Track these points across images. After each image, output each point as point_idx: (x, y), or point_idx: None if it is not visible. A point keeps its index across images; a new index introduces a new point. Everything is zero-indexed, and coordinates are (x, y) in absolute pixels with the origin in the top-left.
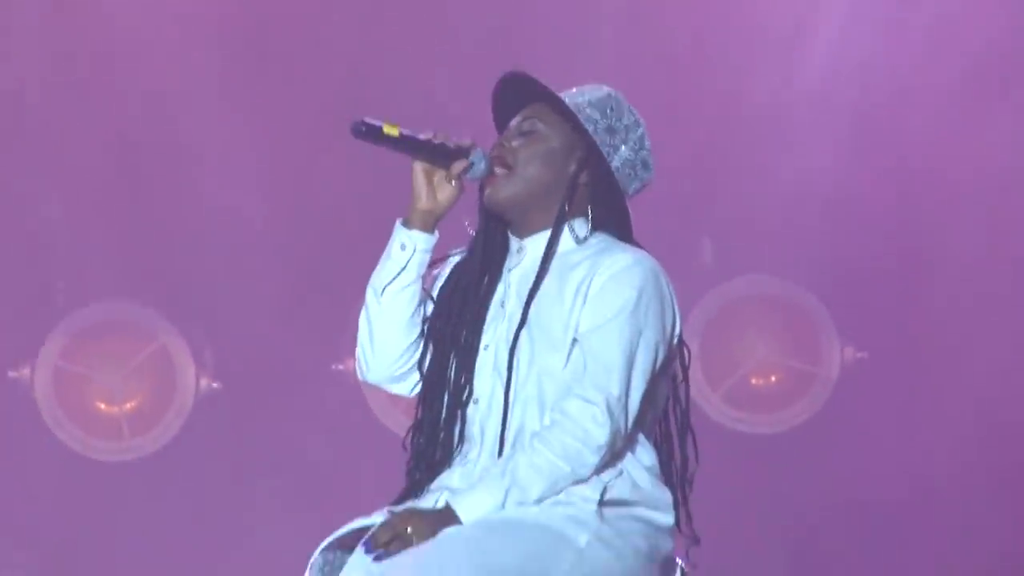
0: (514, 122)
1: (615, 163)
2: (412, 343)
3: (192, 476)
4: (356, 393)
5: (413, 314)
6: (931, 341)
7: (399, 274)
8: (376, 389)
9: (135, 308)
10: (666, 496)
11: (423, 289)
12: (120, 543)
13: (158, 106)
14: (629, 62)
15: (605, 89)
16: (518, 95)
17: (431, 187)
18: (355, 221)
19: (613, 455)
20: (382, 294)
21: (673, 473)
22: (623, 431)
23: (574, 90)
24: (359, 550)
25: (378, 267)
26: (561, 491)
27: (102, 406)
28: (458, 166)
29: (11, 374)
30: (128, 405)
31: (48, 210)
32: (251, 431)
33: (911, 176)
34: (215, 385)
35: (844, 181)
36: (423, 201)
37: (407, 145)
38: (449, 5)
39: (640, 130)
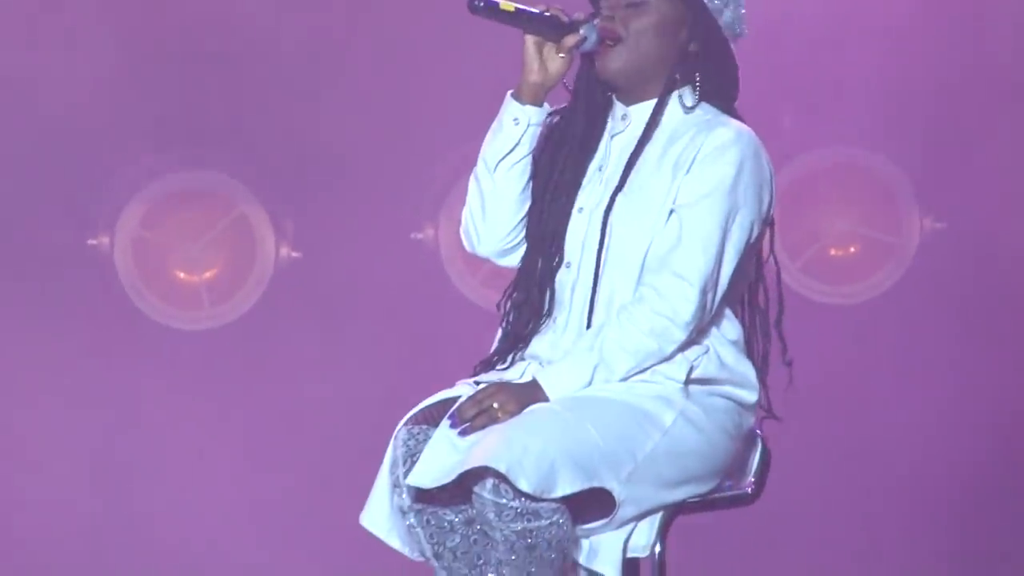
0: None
1: (723, 24)
2: (523, 217)
3: (273, 346)
4: (435, 262)
5: (524, 187)
6: (1004, 211)
7: (513, 149)
8: (473, 261)
9: (215, 176)
10: (751, 372)
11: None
12: (193, 413)
13: None
14: None
15: None
16: None
17: (542, 60)
18: (429, 90)
19: (700, 331)
20: (495, 169)
21: (756, 348)
22: (711, 308)
23: None
24: (444, 423)
25: (488, 139)
26: (648, 369)
27: (181, 275)
28: (570, 39)
29: (90, 242)
30: (208, 274)
31: (126, 78)
32: (331, 301)
33: (992, 52)
34: (295, 254)
35: (924, 48)
36: (534, 74)
37: (521, 19)
38: None
39: None
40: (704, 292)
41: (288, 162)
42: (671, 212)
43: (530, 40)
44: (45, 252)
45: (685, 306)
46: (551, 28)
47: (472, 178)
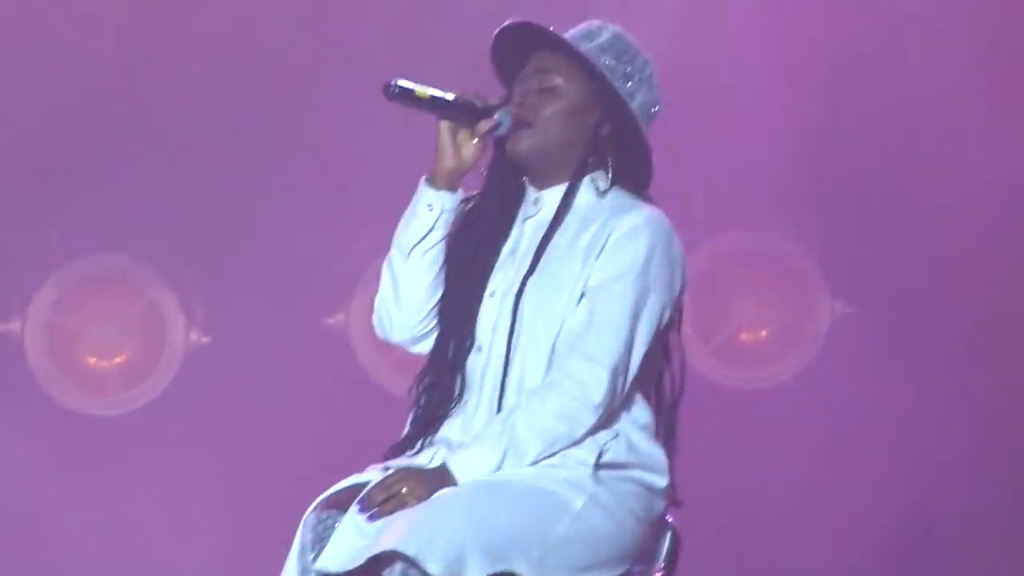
0: (529, 74)
1: (635, 109)
2: (435, 304)
3: (182, 430)
4: (345, 346)
5: (438, 273)
6: (921, 294)
7: (427, 235)
8: (384, 346)
9: (126, 261)
10: (661, 457)
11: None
12: (108, 497)
13: (150, 63)
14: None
15: (610, 28)
16: (520, 43)
17: (456, 145)
18: (339, 173)
19: (610, 415)
20: (409, 255)
21: (664, 431)
22: (622, 391)
23: (576, 33)
24: (353, 508)
25: (402, 225)
26: (558, 452)
27: (92, 360)
28: (483, 125)
29: (0, 327)
30: (118, 359)
31: (40, 160)
32: (241, 386)
33: (901, 133)
34: (205, 339)
35: (836, 136)
36: (449, 160)
37: (436, 105)
38: None
39: (649, 67)
40: (615, 375)
41: (198, 246)
42: (582, 295)
43: (444, 126)
44: None
45: (595, 389)
46: (465, 114)
47: (386, 264)
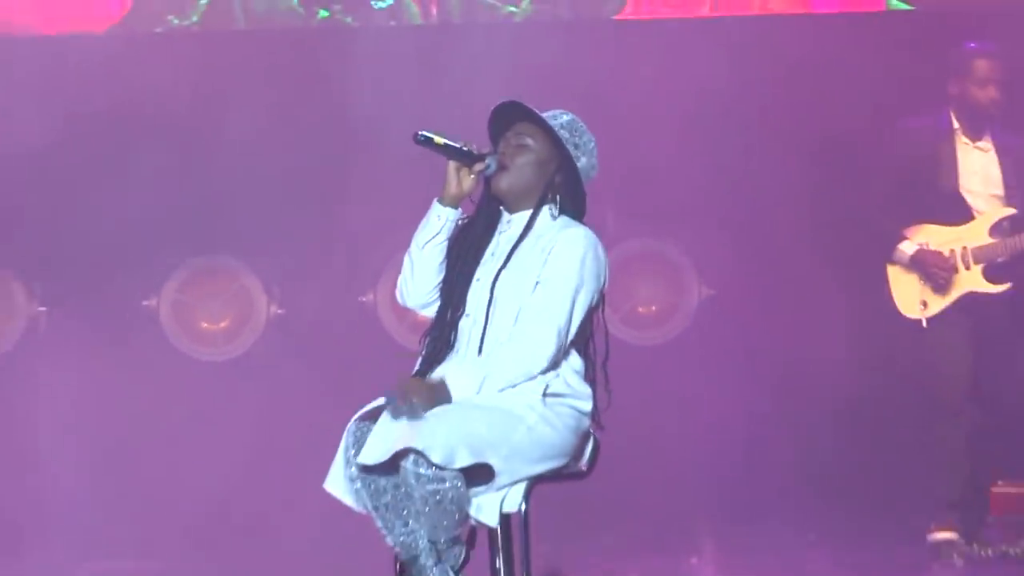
0: (511, 135)
1: (580, 167)
2: (438, 283)
3: (263, 372)
4: (375, 316)
5: (441, 263)
6: (770, 282)
7: (435, 236)
8: (406, 312)
9: (226, 257)
10: (588, 391)
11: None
12: (208, 413)
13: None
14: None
15: (569, 115)
16: (507, 113)
17: (459, 179)
18: (363, 199)
19: (556, 363)
20: (422, 249)
21: (591, 372)
22: (562, 347)
23: (547, 114)
24: (382, 418)
25: (420, 229)
26: (518, 385)
27: (204, 325)
28: (478, 166)
29: (144, 303)
30: (222, 324)
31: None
32: (305, 343)
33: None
34: (280, 311)
35: (709, 162)
36: (453, 187)
37: (447, 150)
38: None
39: (592, 144)
40: (559, 336)
41: (274, 246)
42: (536, 283)
43: (452, 165)
44: (116, 309)
45: (545, 345)
46: (466, 158)
47: (407, 255)
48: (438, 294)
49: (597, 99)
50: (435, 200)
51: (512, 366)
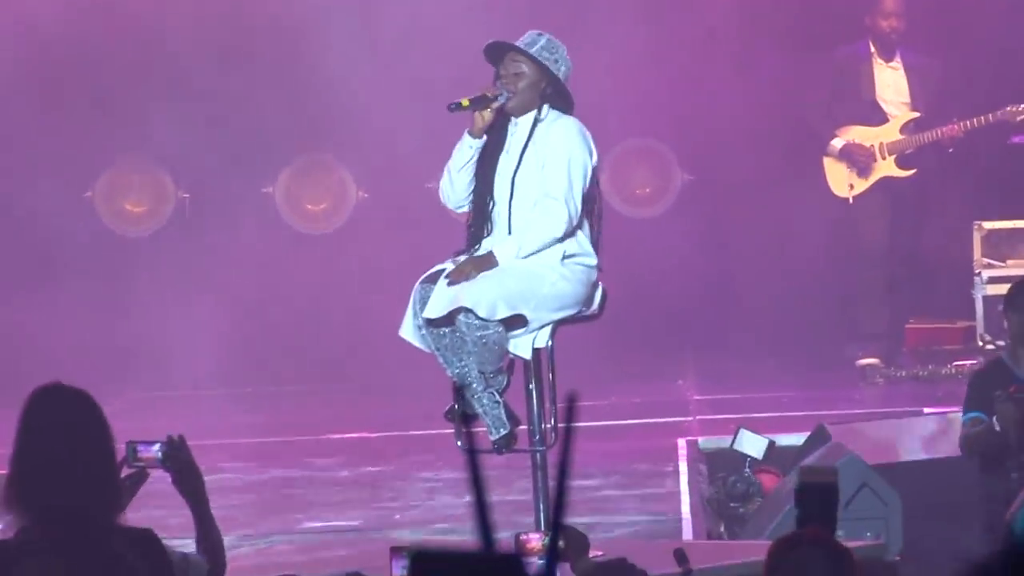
0: (508, 64)
1: (561, 76)
2: (471, 191)
3: (355, 245)
4: (437, 199)
5: (472, 176)
6: (736, 170)
7: (468, 162)
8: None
9: (326, 155)
10: (593, 251)
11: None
12: (316, 284)
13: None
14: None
15: (544, 36)
16: (500, 48)
17: (482, 117)
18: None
19: (572, 223)
20: (459, 170)
21: (596, 237)
22: (575, 214)
23: (527, 40)
24: (441, 281)
25: (454, 153)
26: (545, 248)
27: (309, 207)
28: (496, 104)
29: (263, 190)
30: (322, 206)
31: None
32: (384, 221)
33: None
34: (365, 195)
35: (686, 78)
36: (479, 124)
37: (472, 105)
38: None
39: (564, 51)
40: (567, 202)
41: (360, 148)
42: (542, 167)
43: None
44: (235, 196)
45: (559, 212)
46: (485, 102)
47: (446, 172)
48: (470, 198)
49: (591, 24)
50: (466, 132)
51: (538, 233)
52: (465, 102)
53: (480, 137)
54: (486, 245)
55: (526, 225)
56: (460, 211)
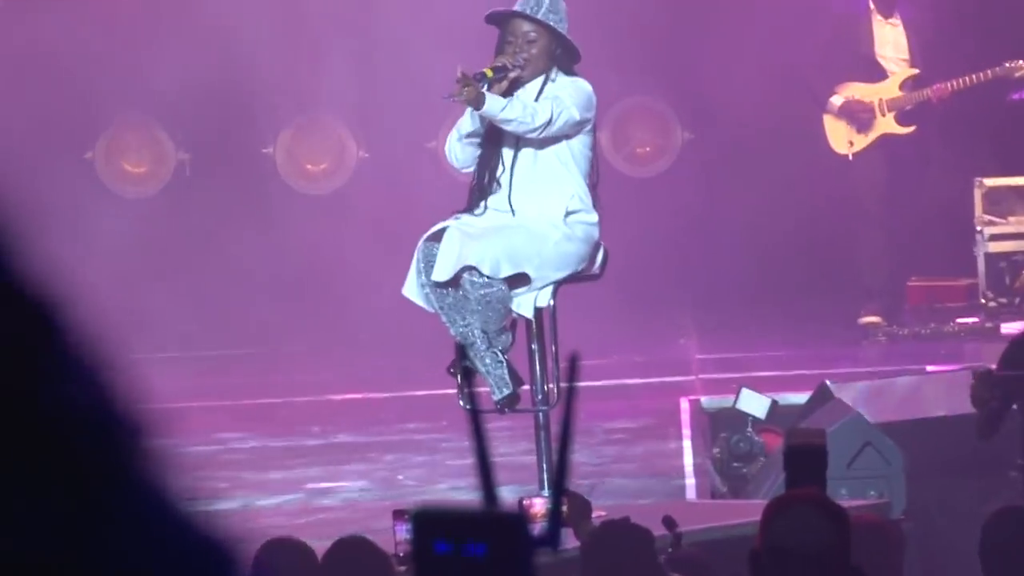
0: (518, 34)
1: (565, 30)
2: (476, 154)
3: (355, 204)
4: (437, 159)
5: (477, 142)
6: (735, 128)
7: (477, 129)
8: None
9: (327, 116)
10: (593, 207)
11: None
12: (317, 243)
13: None
14: None
15: None
16: (505, 16)
17: (499, 87)
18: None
19: (573, 187)
20: (467, 136)
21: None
22: (555, 119)
23: (530, 5)
24: (445, 237)
25: (463, 119)
26: (519, 124)
27: (309, 167)
28: (513, 74)
29: (264, 150)
30: (323, 166)
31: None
32: (386, 181)
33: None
34: (365, 155)
35: (686, 40)
36: (496, 93)
37: (497, 73)
38: None
39: (564, 7)
40: (563, 111)
41: (360, 110)
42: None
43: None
44: (237, 153)
45: (544, 110)
46: (505, 71)
47: (454, 132)
48: (476, 159)
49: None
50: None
51: (525, 109)
52: (489, 72)
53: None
54: (491, 204)
55: (517, 101)
56: (465, 171)
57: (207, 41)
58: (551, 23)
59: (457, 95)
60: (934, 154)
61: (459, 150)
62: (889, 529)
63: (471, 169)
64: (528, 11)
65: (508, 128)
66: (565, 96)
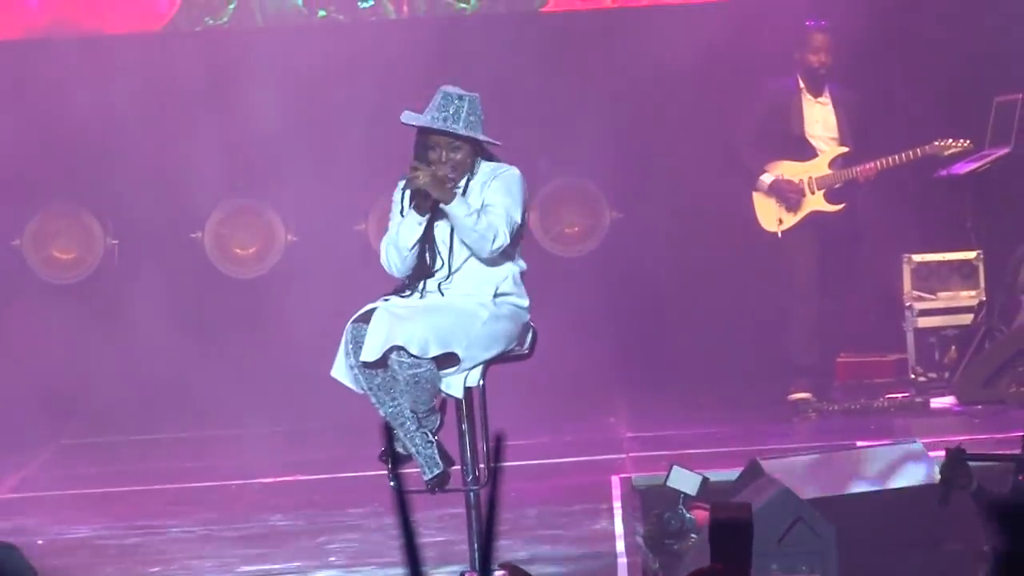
0: (444, 143)
1: (482, 137)
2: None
3: (282, 287)
4: (367, 243)
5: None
6: (664, 206)
7: (418, 239)
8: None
9: (254, 201)
10: (524, 291)
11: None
12: (245, 326)
13: None
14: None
15: (464, 96)
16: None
17: (424, 204)
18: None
19: (503, 265)
20: (409, 249)
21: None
22: (509, 235)
23: (452, 109)
24: (374, 318)
25: (401, 231)
26: (480, 238)
27: (238, 251)
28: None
29: (191, 235)
30: (251, 250)
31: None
32: (312, 263)
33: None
34: (293, 238)
35: (614, 121)
36: (429, 203)
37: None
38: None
39: (477, 99)
40: (508, 225)
41: (291, 192)
42: (484, 204)
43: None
44: (165, 240)
45: (499, 224)
46: (420, 197)
47: (391, 246)
48: (415, 267)
49: (521, 83)
50: (411, 210)
51: (483, 225)
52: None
53: (429, 213)
54: (430, 285)
55: (479, 217)
56: (404, 275)
57: (135, 126)
58: (473, 134)
59: (422, 181)
60: (865, 230)
61: (401, 262)
62: None
63: (409, 273)
64: (449, 126)
65: (461, 234)
66: (499, 204)
